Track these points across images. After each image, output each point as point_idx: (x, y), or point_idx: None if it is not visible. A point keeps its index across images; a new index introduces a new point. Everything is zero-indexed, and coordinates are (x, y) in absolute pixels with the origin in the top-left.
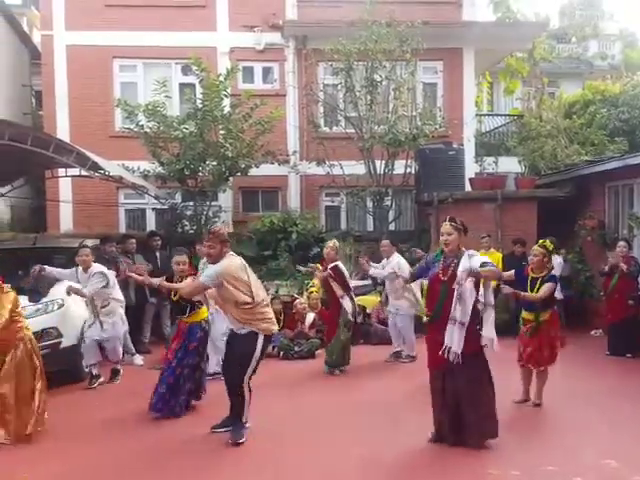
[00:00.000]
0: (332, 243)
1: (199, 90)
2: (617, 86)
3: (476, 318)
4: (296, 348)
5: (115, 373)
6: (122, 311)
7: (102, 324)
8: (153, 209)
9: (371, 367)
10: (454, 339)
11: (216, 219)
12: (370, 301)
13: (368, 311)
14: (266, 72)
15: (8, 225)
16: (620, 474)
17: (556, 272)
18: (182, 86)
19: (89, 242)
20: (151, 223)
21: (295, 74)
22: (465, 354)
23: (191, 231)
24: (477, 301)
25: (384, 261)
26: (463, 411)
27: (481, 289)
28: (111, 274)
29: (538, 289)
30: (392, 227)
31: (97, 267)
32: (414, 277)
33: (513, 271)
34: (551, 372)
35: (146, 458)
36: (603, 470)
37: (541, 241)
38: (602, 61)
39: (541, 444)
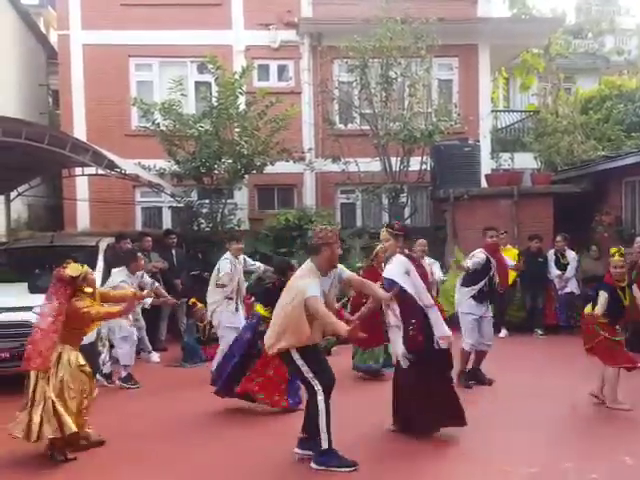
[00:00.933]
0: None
1: (215, 88)
2: (634, 81)
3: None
4: None
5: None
6: None
7: (137, 321)
8: (169, 207)
9: None
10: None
11: (232, 217)
12: None
13: None
14: (281, 70)
15: (25, 224)
16: (636, 471)
17: (572, 267)
18: (198, 84)
19: (105, 240)
20: (167, 221)
21: (310, 71)
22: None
23: (207, 229)
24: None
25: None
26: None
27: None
28: None
29: (630, 297)
30: (408, 224)
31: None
32: None
33: (605, 295)
34: (570, 369)
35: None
36: (619, 466)
37: (615, 250)
38: (618, 56)
39: (558, 440)
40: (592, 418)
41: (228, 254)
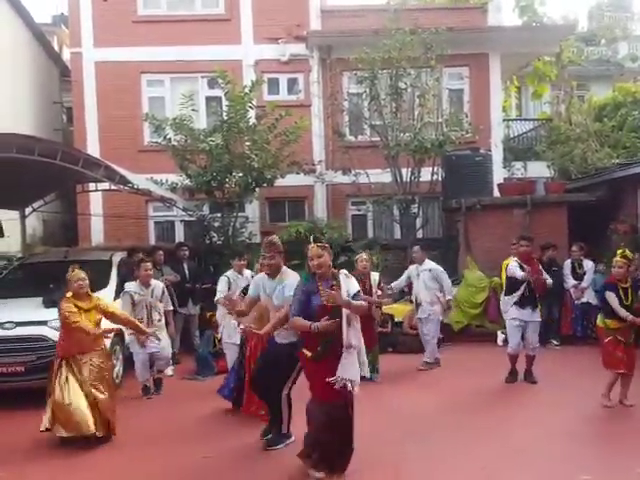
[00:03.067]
0: (367, 255)
1: (225, 103)
2: None
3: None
4: None
5: (159, 384)
6: None
7: (157, 336)
8: (182, 221)
9: (403, 375)
10: (349, 367)
11: (243, 230)
12: (400, 310)
13: (398, 319)
14: (291, 83)
15: (40, 239)
16: None
17: (588, 276)
18: (208, 99)
19: (118, 254)
20: (180, 235)
21: (320, 84)
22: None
23: (219, 242)
24: None
25: (413, 267)
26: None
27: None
28: None
29: (632, 298)
30: (419, 235)
31: (156, 282)
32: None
33: (612, 295)
34: (585, 380)
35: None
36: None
37: (620, 251)
38: (632, 63)
39: (574, 452)
40: (607, 429)
41: (230, 271)
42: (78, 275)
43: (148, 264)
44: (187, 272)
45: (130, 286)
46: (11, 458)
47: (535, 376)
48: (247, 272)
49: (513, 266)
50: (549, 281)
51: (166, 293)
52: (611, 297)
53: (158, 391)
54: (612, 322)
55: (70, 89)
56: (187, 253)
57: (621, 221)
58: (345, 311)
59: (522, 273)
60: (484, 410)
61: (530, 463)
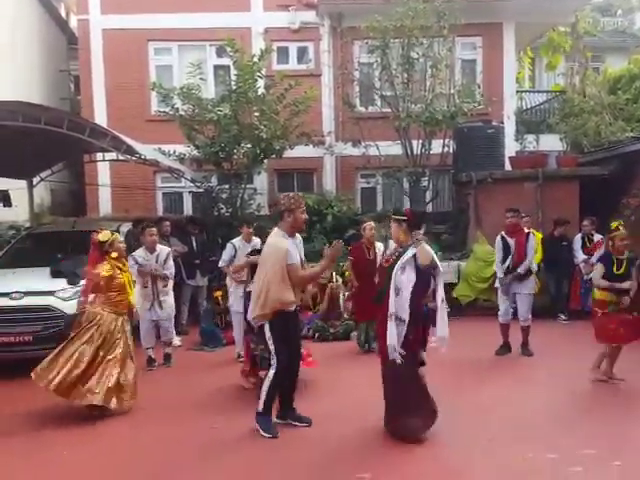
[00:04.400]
0: (372, 224)
1: (233, 72)
2: None
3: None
4: (331, 330)
5: (167, 357)
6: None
7: (161, 304)
8: (190, 192)
9: None
10: (390, 334)
11: (251, 202)
12: None
13: None
14: (301, 52)
15: (48, 209)
16: None
17: (600, 251)
18: (217, 68)
19: (126, 225)
20: (188, 206)
21: (330, 53)
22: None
23: (227, 214)
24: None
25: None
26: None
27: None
28: None
29: (625, 270)
30: (429, 208)
31: (162, 247)
32: None
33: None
34: (592, 354)
35: (193, 444)
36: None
37: (616, 224)
38: None
39: (584, 428)
40: (614, 403)
41: (237, 238)
42: (119, 238)
43: (153, 229)
44: (195, 245)
45: (136, 252)
46: (15, 429)
47: (531, 349)
48: (255, 240)
49: (497, 241)
50: (532, 267)
51: (170, 258)
52: (597, 269)
53: (167, 364)
54: (599, 293)
55: (77, 57)
56: (197, 230)
57: (633, 195)
58: (394, 279)
59: (500, 265)
60: (486, 382)
61: (536, 435)
